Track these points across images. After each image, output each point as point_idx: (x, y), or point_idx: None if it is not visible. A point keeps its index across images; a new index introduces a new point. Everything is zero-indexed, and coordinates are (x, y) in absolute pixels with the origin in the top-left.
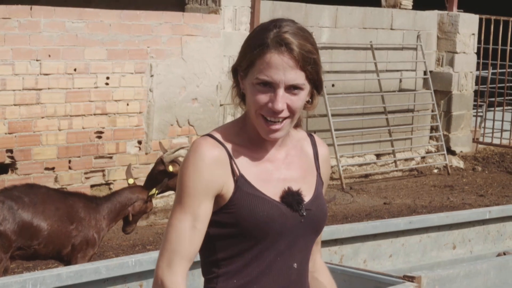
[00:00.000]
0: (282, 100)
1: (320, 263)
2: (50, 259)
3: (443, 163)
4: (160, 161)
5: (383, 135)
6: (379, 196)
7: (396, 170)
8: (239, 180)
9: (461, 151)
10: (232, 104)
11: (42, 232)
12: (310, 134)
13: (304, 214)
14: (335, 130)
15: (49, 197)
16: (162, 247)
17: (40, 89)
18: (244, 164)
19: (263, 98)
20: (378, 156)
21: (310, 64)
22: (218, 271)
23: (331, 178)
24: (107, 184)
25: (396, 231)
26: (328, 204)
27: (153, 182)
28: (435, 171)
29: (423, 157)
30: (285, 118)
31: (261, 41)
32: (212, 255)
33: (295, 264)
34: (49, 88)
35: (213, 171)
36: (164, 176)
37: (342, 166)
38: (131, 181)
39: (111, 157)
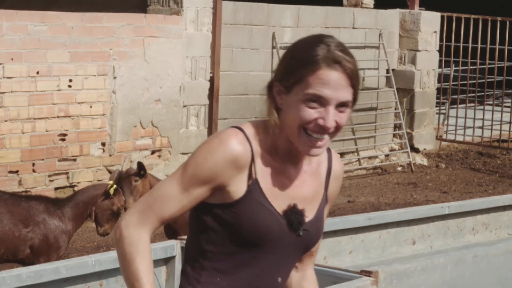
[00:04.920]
0: (333, 117)
1: (311, 275)
2: (9, 262)
3: (407, 161)
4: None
5: (347, 134)
6: (343, 195)
7: (360, 169)
8: (252, 185)
9: (425, 149)
10: (269, 119)
11: None
12: (328, 149)
13: (301, 234)
14: None
15: (1, 200)
16: (143, 198)
17: (3, 93)
18: (262, 171)
19: (312, 114)
20: (341, 154)
21: (358, 82)
22: (204, 263)
23: None
24: (71, 186)
25: (356, 228)
26: None
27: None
28: (399, 168)
29: (386, 155)
30: (329, 135)
31: (312, 57)
32: (203, 245)
33: (280, 279)
34: (12, 91)
35: (225, 167)
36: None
37: None
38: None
39: (75, 160)
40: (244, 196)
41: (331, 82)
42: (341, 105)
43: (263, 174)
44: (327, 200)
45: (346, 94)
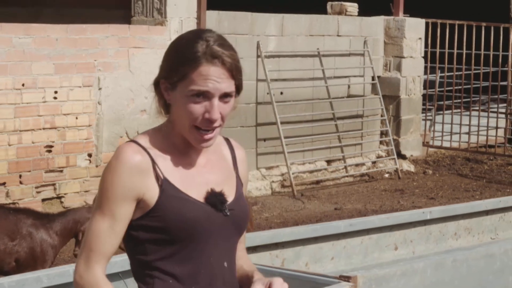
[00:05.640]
0: (218, 109)
1: (242, 253)
2: None
3: (394, 168)
4: None
5: (333, 141)
6: (330, 202)
7: (347, 176)
8: (164, 184)
9: (412, 155)
10: (159, 116)
11: None
12: (226, 139)
13: (228, 214)
14: (285, 137)
15: None
16: (81, 248)
17: None
18: (168, 169)
19: (198, 108)
20: (328, 162)
21: (239, 73)
22: (153, 274)
23: (283, 186)
24: (58, 197)
25: (337, 234)
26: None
27: None
28: (386, 175)
29: (373, 162)
30: (217, 127)
31: (192, 54)
32: (144, 258)
33: (225, 263)
34: None
35: (132, 177)
36: None
37: (293, 173)
38: None
39: (61, 171)
40: (160, 197)
41: (212, 77)
42: (224, 96)
43: (171, 171)
44: (242, 182)
45: (228, 86)
